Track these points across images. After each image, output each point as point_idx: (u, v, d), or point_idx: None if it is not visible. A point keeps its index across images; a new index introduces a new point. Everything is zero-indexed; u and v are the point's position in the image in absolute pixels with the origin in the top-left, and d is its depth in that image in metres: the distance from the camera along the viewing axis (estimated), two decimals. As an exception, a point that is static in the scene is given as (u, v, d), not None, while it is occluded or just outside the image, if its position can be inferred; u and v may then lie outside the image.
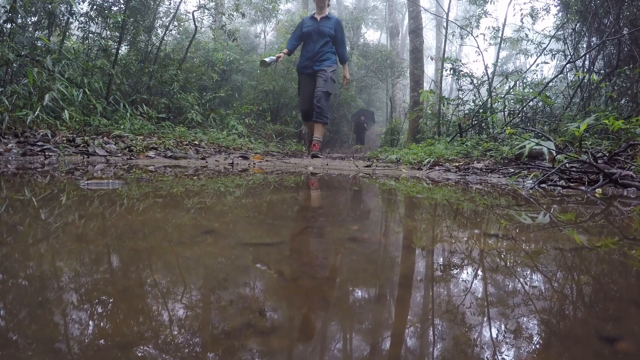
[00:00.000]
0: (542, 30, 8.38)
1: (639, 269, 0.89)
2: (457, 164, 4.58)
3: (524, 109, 6.76)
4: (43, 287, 0.65)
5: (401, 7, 25.70)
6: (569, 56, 6.96)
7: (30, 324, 0.52)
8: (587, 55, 6.62)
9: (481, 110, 7.27)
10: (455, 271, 0.85)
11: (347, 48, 11.98)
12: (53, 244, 0.90)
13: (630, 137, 3.82)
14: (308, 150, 6.75)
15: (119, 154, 4.08)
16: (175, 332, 0.53)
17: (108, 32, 7.73)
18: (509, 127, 5.33)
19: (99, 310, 0.58)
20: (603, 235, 1.26)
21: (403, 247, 1.07)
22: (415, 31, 10.99)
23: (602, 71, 6.52)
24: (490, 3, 10.26)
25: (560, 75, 7.10)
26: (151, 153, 4.39)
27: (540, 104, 6.70)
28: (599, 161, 3.20)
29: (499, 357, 0.51)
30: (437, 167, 4.44)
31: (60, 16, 6.70)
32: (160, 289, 0.66)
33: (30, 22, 6.65)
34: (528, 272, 0.87)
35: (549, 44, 7.71)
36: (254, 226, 1.21)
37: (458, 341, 0.54)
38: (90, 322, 0.54)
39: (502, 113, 7.19)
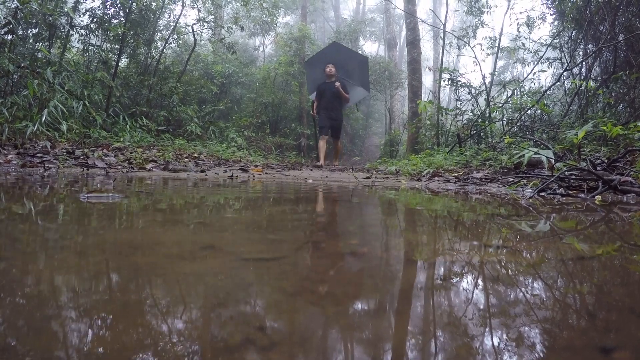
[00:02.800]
0: (539, 39, 8.45)
1: (639, 276, 0.89)
2: (456, 174, 4.58)
3: (522, 117, 6.79)
4: (41, 303, 0.65)
5: (398, 18, 25.93)
6: (566, 64, 7.01)
7: (28, 341, 0.52)
8: (584, 63, 6.66)
9: (480, 120, 7.30)
10: (455, 282, 0.85)
11: None
12: (52, 259, 0.90)
13: (628, 142, 3.83)
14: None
15: (119, 167, 4.08)
16: (176, 347, 0.53)
17: (108, 45, 7.80)
18: (507, 136, 5.35)
19: (99, 326, 0.57)
20: (603, 242, 1.25)
21: (404, 261, 1.06)
22: (413, 42, 11.08)
23: (599, 78, 6.56)
24: (487, 13, 10.38)
25: (557, 83, 7.15)
26: (151, 165, 4.39)
27: (538, 112, 6.74)
28: (598, 168, 3.20)
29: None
30: (436, 178, 4.45)
31: (61, 28, 6.76)
32: (160, 305, 0.66)
33: (30, 34, 6.71)
34: (528, 282, 0.86)
35: (545, 52, 7.77)
36: (253, 241, 1.20)
37: (459, 352, 0.54)
38: (89, 338, 0.54)
39: (501, 122, 7.23)
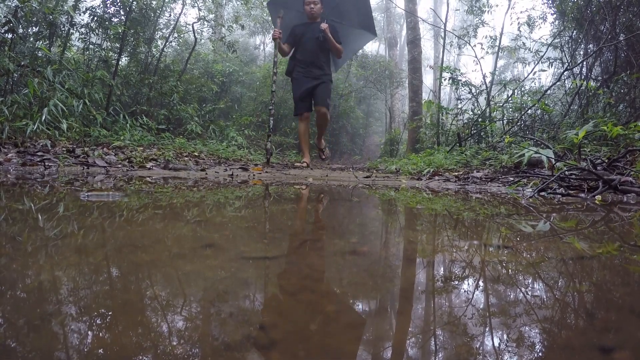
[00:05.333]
0: (540, 39, 8.45)
1: (639, 276, 0.89)
2: (456, 173, 4.58)
3: (523, 117, 6.78)
4: (41, 300, 0.65)
5: (399, 18, 25.91)
6: (567, 64, 7.01)
7: (27, 338, 0.52)
8: (585, 62, 6.66)
9: (480, 119, 7.29)
10: (455, 283, 0.85)
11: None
12: (52, 257, 0.90)
13: (629, 142, 3.83)
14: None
15: (119, 165, 4.08)
16: (175, 346, 0.53)
17: (108, 43, 7.78)
18: (507, 136, 5.34)
19: (98, 323, 0.57)
20: (603, 242, 1.25)
21: (404, 260, 1.06)
22: (414, 42, 11.07)
23: (599, 78, 6.56)
24: (488, 13, 10.37)
25: (558, 83, 7.14)
26: (151, 164, 4.39)
27: (538, 112, 6.73)
28: (598, 168, 3.20)
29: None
30: (436, 177, 4.45)
31: (61, 27, 6.75)
32: (159, 303, 0.66)
33: (31, 33, 6.70)
34: (528, 282, 0.86)
35: (546, 52, 7.76)
36: (254, 239, 1.20)
37: (458, 351, 0.54)
38: (89, 336, 0.54)
39: (501, 122, 7.22)
